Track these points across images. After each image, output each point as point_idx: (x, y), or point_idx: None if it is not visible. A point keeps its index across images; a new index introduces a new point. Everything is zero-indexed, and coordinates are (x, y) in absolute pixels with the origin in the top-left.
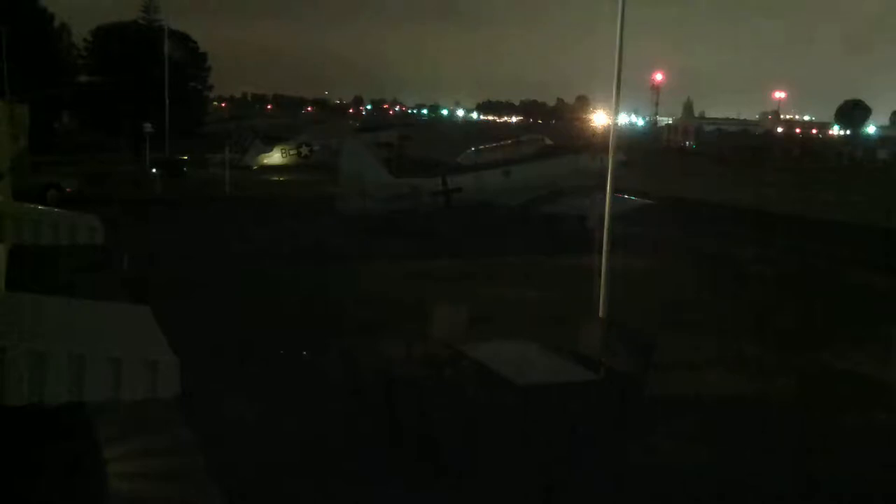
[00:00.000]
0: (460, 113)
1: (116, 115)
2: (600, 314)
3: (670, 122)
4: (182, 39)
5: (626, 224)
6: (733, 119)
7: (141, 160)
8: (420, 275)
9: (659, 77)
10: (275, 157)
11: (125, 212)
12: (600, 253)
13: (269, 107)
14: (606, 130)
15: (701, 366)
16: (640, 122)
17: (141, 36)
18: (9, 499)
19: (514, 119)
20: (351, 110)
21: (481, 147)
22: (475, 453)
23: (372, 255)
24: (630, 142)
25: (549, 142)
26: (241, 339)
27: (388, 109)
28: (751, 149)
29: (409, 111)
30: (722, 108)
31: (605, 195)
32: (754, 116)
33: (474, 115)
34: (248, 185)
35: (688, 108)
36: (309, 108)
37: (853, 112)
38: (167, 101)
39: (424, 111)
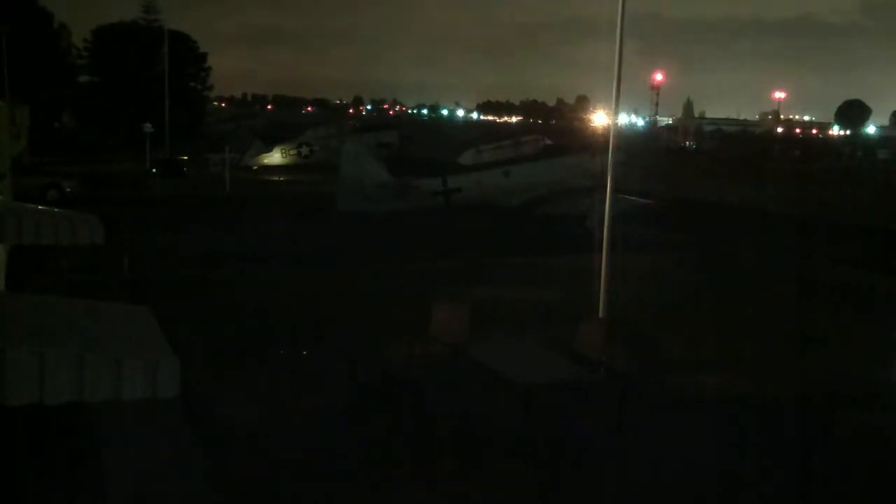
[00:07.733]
0: (460, 113)
1: (116, 115)
2: (600, 314)
3: (670, 122)
4: (182, 39)
5: (625, 224)
6: (733, 119)
7: (141, 160)
8: (419, 274)
9: (659, 77)
10: (275, 157)
11: (125, 212)
12: (600, 253)
13: (269, 107)
14: (607, 130)
15: (702, 366)
16: (640, 122)
17: (141, 36)
18: (9, 499)
19: (514, 119)
20: (351, 110)
21: (481, 147)
22: (474, 453)
23: (371, 255)
24: (630, 142)
25: (548, 142)
26: (241, 337)
27: (388, 109)
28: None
29: (410, 111)
30: (722, 107)
31: (604, 195)
32: (754, 116)
33: (474, 115)
34: (248, 185)
35: (688, 108)
36: (309, 108)
37: (853, 112)
38: (167, 101)
39: (425, 111)
